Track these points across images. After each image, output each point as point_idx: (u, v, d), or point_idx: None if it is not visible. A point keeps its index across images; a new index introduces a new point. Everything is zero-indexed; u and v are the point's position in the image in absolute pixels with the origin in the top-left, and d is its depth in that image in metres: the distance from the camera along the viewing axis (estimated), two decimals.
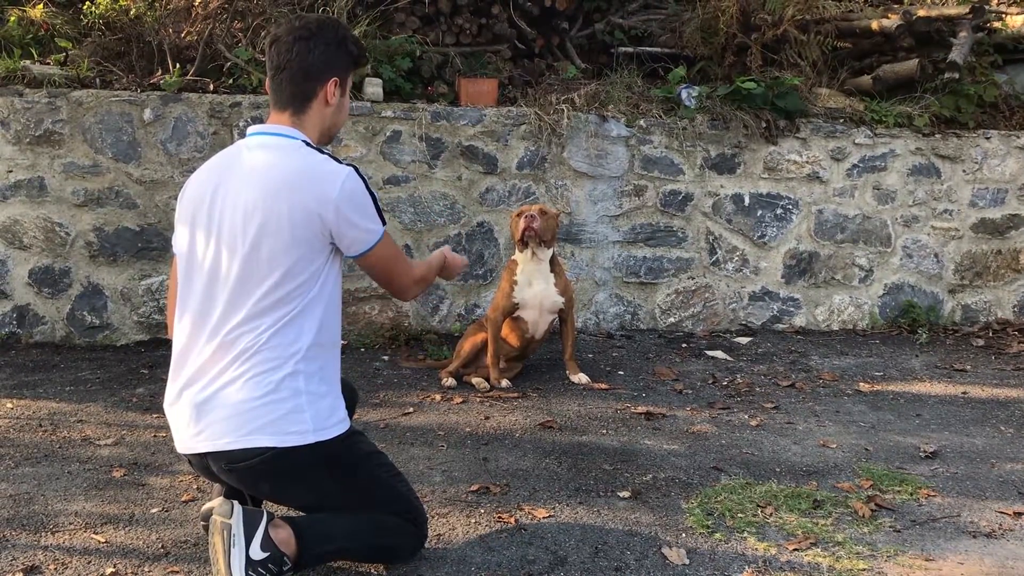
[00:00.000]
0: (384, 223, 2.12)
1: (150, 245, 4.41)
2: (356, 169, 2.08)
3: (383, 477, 2.16)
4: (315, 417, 2.00)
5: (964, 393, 3.95)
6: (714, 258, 4.96)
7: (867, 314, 5.12)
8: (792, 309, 5.06)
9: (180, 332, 2.05)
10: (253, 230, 1.96)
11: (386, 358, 4.35)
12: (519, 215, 3.77)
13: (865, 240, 5.09)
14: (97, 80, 4.49)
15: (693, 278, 4.96)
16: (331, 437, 2.02)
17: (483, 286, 4.72)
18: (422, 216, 4.65)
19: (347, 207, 2.01)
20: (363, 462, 2.14)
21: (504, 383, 3.82)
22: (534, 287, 3.80)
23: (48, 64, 4.54)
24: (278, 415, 1.96)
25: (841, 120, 5.05)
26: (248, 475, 2.00)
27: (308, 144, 2.09)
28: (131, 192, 4.37)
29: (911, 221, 5.11)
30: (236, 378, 1.96)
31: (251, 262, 1.97)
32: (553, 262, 3.86)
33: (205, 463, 2.04)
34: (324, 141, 2.20)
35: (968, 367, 4.38)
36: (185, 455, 2.09)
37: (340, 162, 2.07)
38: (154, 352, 4.32)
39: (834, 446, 3.20)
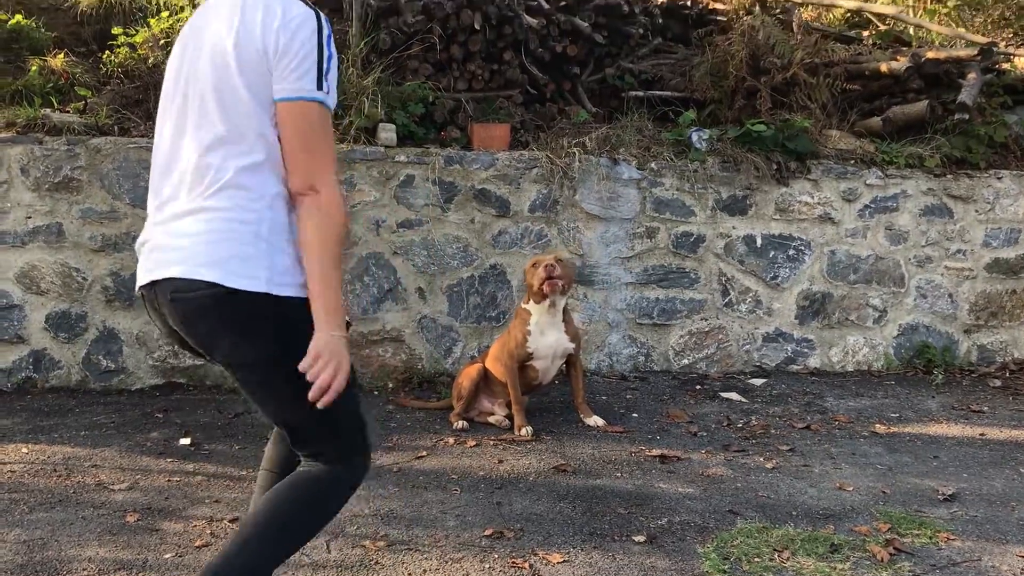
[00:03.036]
0: (324, 91, 1.81)
1: None
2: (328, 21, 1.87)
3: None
4: (271, 267, 1.79)
5: (982, 435, 3.92)
6: (727, 299, 4.96)
7: (882, 355, 5.09)
8: (806, 350, 5.04)
9: None
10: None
11: (397, 403, 4.35)
12: (535, 265, 3.77)
13: (878, 281, 5.08)
14: (115, 127, 4.56)
15: (706, 319, 4.95)
16: (288, 295, 1.79)
17: (496, 328, 4.73)
18: (435, 259, 4.67)
19: (284, 36, 1.80)
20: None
21: (525, 431, 3.79)
22: (547, 337, 3.81)
23: (68, 112, 4.62)
24: (231, 253, 1.77)
25: (852, 161, 5.07)
26: (190, 311, 1.79)
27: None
28: None
29: (924, 261, 5.10)
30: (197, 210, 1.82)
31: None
32: (563, 308, 3.87)
33: (160, 311, 1.87)
34: None
35: (985, 408, 4.35)
36: (139, 296, 1.92)
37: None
38: (168, 396, 4.34)
39: (851, 489, 3.17)
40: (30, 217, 4.33)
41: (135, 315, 4.44)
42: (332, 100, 1.85)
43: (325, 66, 1.83)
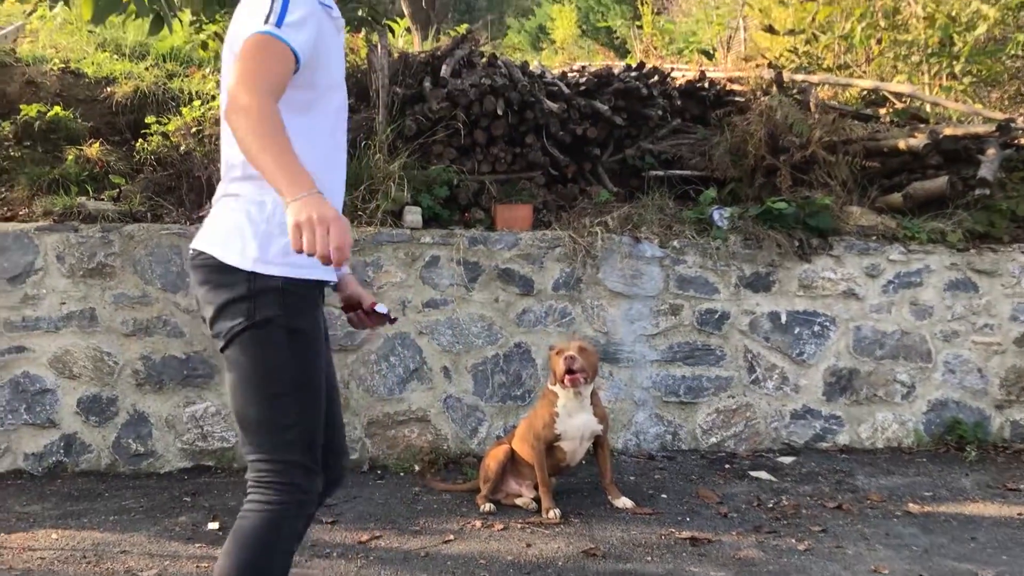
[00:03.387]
0: (276, 26, 1.84)
1: (195, 372, 4.49)
2: None
3: (280, 383, 1.91)
4: (261, 248, 1.91)
5: (1020, 514, 3.84)
6: (753, 376, 4.94)
7: (912, 431, 5.04)
8: (835, 427, 5.00)
9: None
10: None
11: (423, 484, 4.33)
12: (558, 353, 3.78)
13: (905, 356, 5.05)
14: (148, 214, 4.67)
15: (733, 397, 4.93)
16: (274, 274, 1.90)
17: (521, 408, 4.73)
18: (460, 338, 4.70)
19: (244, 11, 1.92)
20: (287, 342, 1.91)
21: (553, 514, 3.76)
22: (575, 418, 3.81)
23: (102, 200, 4.74)
24: (227, 226, 1.96)
25: (874, 237, 5.09)
26: (194, 276, 2.01)
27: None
28: (178, 321, 4.49)
29: (951, 336, 5.08)
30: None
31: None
32: (592, 391, 3.87)
33: None
34: None
35: (1022, 486, 4.27)
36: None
37: None
38: (197, 479, 4.35)
39: (887, 572, 3.12)
40: (64, 303, 4.42)
41: (165, 398, 4.48)
42: (289, 34, 1.84)
43: (279, 5, 1.86)
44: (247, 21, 1.90)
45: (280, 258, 1.91)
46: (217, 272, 1.93)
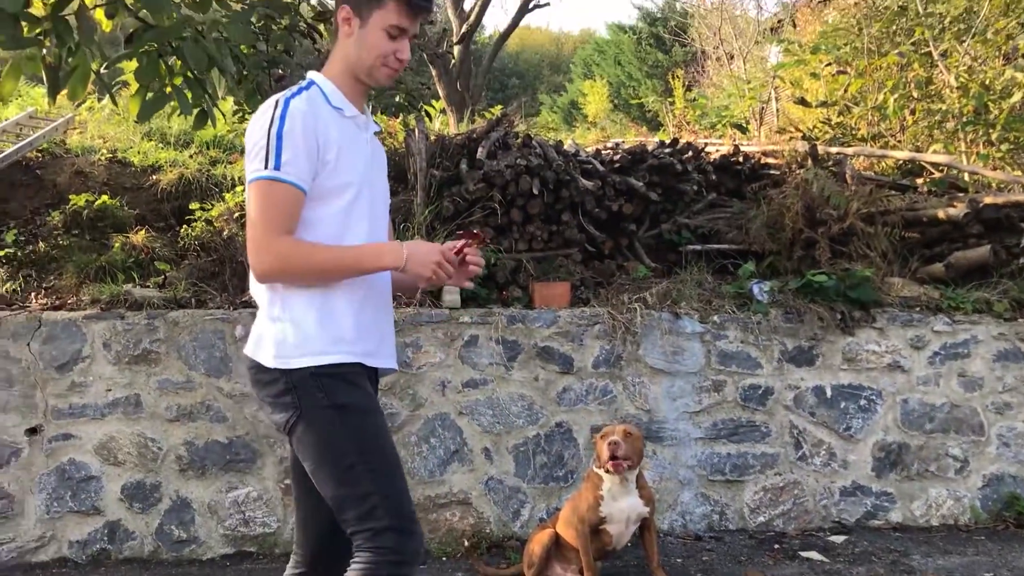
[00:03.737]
0: (273, 168, 2.07)
1: (238, 457, 4.50)
2: (289, 100, 2.12)
3: (345, 456, 2.09)
4: (281, 343, 2.14)
5: None
6: (800, 452, 4.85)
7: (967, 508, 4.89)
8: (887, 504, 4.87)
9: None
10: None
11: (466, 568, 4.27)
12: (603, 436, 3.73)
13: (956, 429, 4.93)
14: (192, 300, 4.75)
15: (780, 474, 4.83)
16: (300, 367, 2.11)
17: (564, 488, 4.67)
18: (500, 418, 4.68)
19: (247, 139, 2.14)
20: (339, 418, 2.11)
21: None
22: (621, 501, 3.74)
23: (148, 287, 4.83)
24: (259, 333, 2.20)
25: (917, 308, 5.03)
26: (248, 376, 2.24)
27: (304, 81, 2.24)
28: (221, 406, 4.52)
29: (1003, 408, 4.95)
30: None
31: None
32: (639, 472, 3.81)
33: None
34: (355, 80, 2.25)
35: None
36: None
37: (300, 91, 2.17)
38: (239, 565, 4.32)
39: None
40: (110, 390, 4.47)
41: (207, 483, 4.49)
42: (284, 172, 2.08)
43: (273, 145, 2.08)
44: (248, 163, 2.13)
45: (300, 350, 2.13)
46: (261, 372, 2.17)
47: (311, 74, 2.27)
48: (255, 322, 2.25)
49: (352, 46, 2.23)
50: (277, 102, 2.13)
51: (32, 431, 4.42)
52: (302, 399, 2.11)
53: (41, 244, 5.29)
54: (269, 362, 2.14)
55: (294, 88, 2.20)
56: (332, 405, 2.10)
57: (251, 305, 4.65)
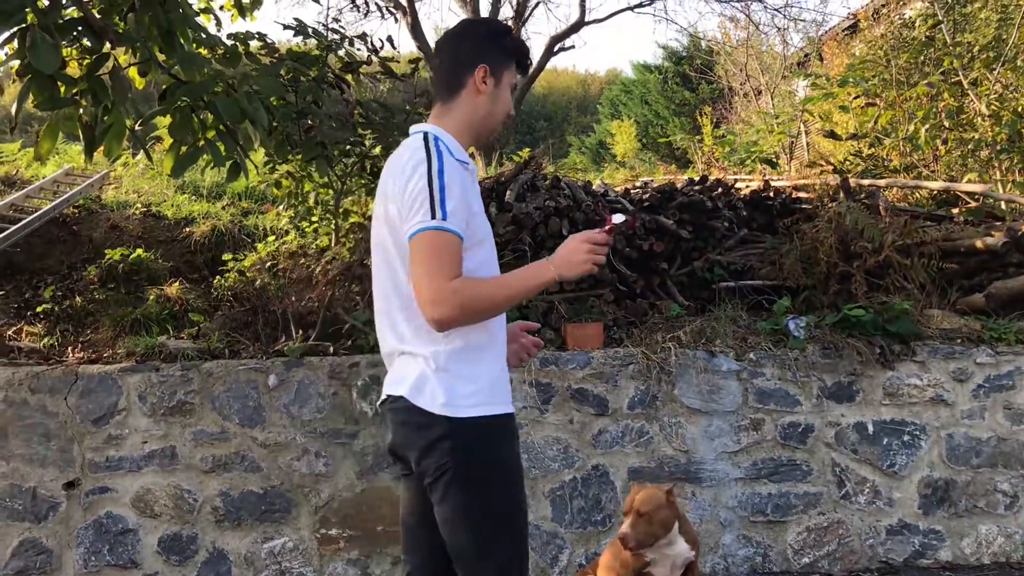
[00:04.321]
0: (441, 219, 2.09)
1: (273, 507, 4.49)
2: (442, 154, 2.16)
3: (496, 515, 2.13)
4: (449, 391, 2.13)
5: None
6: (843, 491, 4.74)
7: (1020, 545, 4.74)
8: (935, 542, 4.73)
9: None
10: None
11: None
12: (625, 514, 3.41)
13: (1004, 463, 4.80)
14: (226, 351, 4.77)
15: (824, 513, 4.72)
16: (465, 416, 2.12)
17: (603, 533, 4.59)
18: (536, 462, 4.62)
19: (399, 189, 2.17)
20: (494, 474, 2.14)
21: None
22: (664, 547, 3.65)
23: (182, 338, 4.87)
24: (416, 376, 2.18)
25: (958, 340, 4.93)
26: (390, 416, 2.26)
27: (428, 136, 2.22)
28: (255, 456, 4.51)
29: None
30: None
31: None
32: (680, 517, 3.70)
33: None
34: (477, 136, 2.35)
35: None
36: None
37: (437, 141, 2.20)
38: None
39: None
40: (146, 442, 4.49)
41: (243, 534, 4.47)
42: (450, 222, 2.10)
43: (437, 194, 2.10)
44: (411, 216, 2.12)
45: (467, 399, 2.15)
46: (415, 414, 2.16)
47: (424, 127, 2.30)
48: (403, 363, 2.24)
49: (485, 103, 2.31)
50: (430, 154, 2.16)
51: (70, 485, 4.45)
52: (458, 449, 2.12)
53: (78, 298, 5.36)
54: (428, 405, 2.14)
55: (425, 139, 2.22)
56: (487, 461, 2.14)
57: (282, 354, 4.67)
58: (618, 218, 2.27)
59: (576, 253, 2.17)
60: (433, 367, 2.17)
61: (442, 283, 2.07)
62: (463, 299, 2.08)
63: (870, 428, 4.79)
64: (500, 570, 2.13)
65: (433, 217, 2.09)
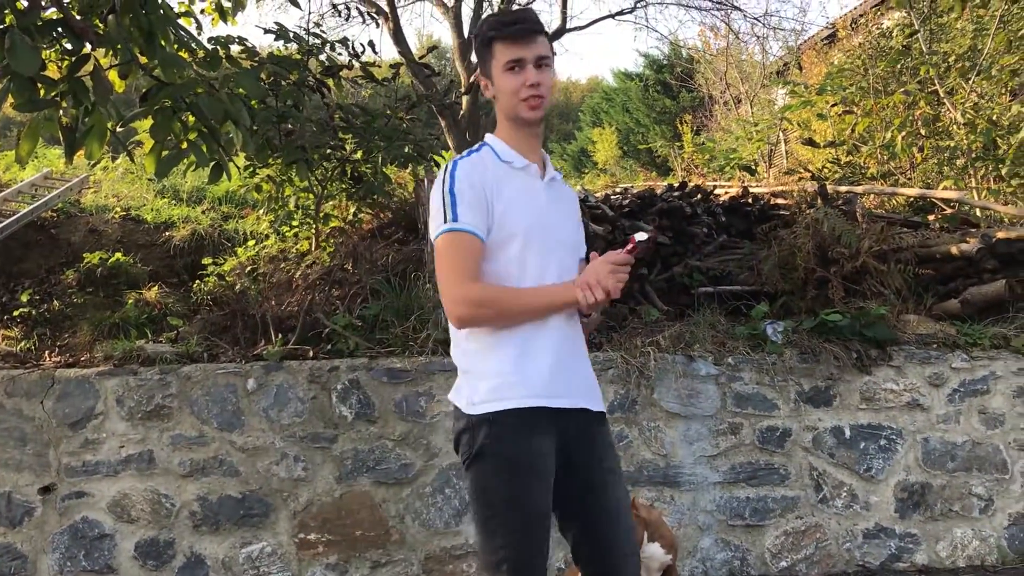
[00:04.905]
0: (452, 221, 2.24)
1: (251, 512, 4.47)
2: (457, 161, 2.32)
3: (490, 507, 2.20)
4: (472, 391, 2.27)
5: None
6: (821, 495, 4.77)
7: (994, 547, 4.79)
8: (911, 545, 4.77)
9: None
10: None
11: None
12: None
13: (979, 467, 4.85)
14: (205, 354, 4.75)
15: (801, 517, 4.75)
16: (483, 413, 2.22)
17: None
18: None
19: (429, 208, 2.34)
20: (495, 468, 2.20)
21: None
22: (643, 550, 3.67)
23: (161, 342, 4.85)
24: (456, 382, 2.37)
25: (934, 345, 4.98)
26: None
27: (479, 144, 2.41)
28: (234, 460, 4.49)
29: None
30: None
31: None
32: (650, 523, 3.73)
33: None
34: (517, 129, 2.39)
35: None
36: None
37: (470, 153, 2.36)
38: None
39: None
40: (123, 446, 4.46)
41: (221, 539, 4.45)
42: (462, 222, 2.24)
43: (448, 201, 2.25)
44: (431, 223, 2.31)
45: (485, 396, 2.24)
46: (455, 410, 2.34)
47: (487, 136, 2.45)
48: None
49: (499, 101, 2.38)
50: (446, 166, 2.32)
51: (45, 490, 4.41)
52: (475, 442, 2.22)
53: (55, 302, 5.33)
54: (461, 405, 2.30)
55: (466, 151, 2.38)
56: (496, 455, 2.20)
57: (261, 358, 4.66)
58: (640, 236, 2.27)
59: (600, 272, 2.18)
60: (462, 368, 2.35)
61: (458, 284, 2.21)
62: (479, 303, 2.22)
63: (847, 432, 4.83)
64: (488, 564, 2.17)
65: (445, 221, 2.25)
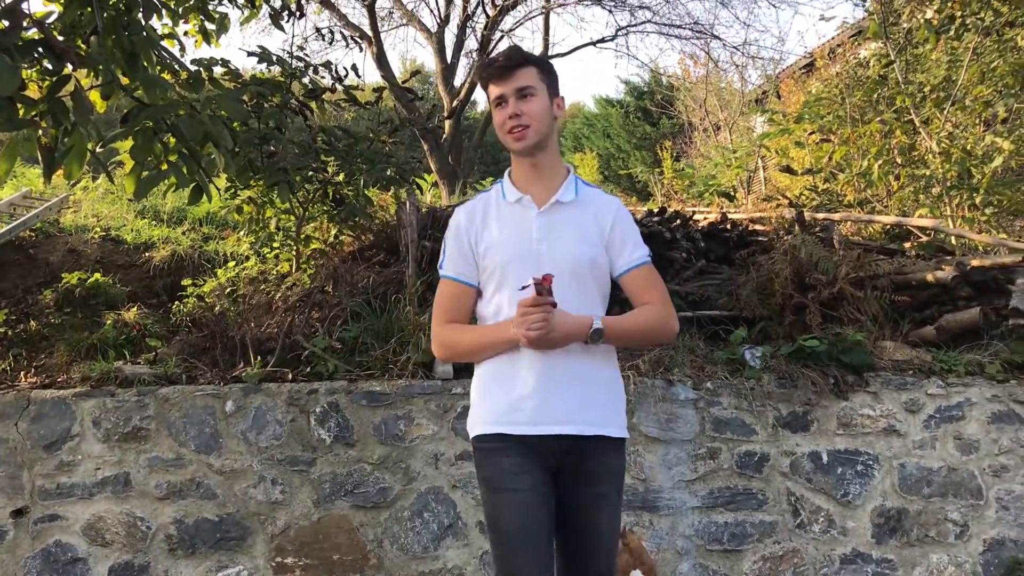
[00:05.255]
0: (439, 267, 2.58)
1: (228, 535, 4.43)
2: (457, 208, 2.60)
3: (489, 514, 2.44)
4: (472, 418, 2.54)
5: None
6: (798, 520, 4.79)
7: (969, 573, 4.81)
8: (888, 571, 4.79)
9: None
10: None
11: None
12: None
13: (955, 493, 4.88)
14: (183, 376, 4.73)
15: (779, 542, 4.76)
16: (473, 435, 2.50)
17: None
18: None
19: None
20: (481, 487, 2.47)
21: None
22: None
23: (139, 363, 4.82)
24: None
25: (910, 372, 5.02)
26: None
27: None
28: (211, 483, 4.46)
29: (1000, 471, 4.92)
30: None
31: None
32: (636, 553, 3.73)
33: None
34: (515, 160, 2.57)
35: None
36: None
37: (480, 195, 2.61)
38: None
39: None
40: (99, 468, 4.42)
41: (197, 563, 4.41)
42: (445, 269, 2.56)
43: (443, 247, 2.58)
44: None
45: (470, 422, 2.53)
46: None
47: (506, 172, 2.65)
48: None
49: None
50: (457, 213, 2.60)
51: (18, 513, 4.36)
52: (478, 463, 2.48)
53: (32, 323, 5.29)
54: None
55: (485, 189, 2.67)
56: (479, 476, 2.46)
57: (240, 380, 4.64)
58: (534, 279, 2.33)
59: (516, 320, 2.34)
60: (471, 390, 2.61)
61: (435, 326, 2.51)
62: (447, 343, 2.50)
63: (824, 457, 4.86)
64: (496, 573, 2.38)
65: (438, 266, 2.60)
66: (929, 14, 7.16)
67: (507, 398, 2.41)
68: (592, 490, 2.41)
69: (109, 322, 5.18)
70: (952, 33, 7.08)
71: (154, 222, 6.90)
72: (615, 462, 2.46)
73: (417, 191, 6.38)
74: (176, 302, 5.47)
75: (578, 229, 2.52)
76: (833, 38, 11.38)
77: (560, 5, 13.96)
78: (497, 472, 2.38)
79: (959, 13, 6.92)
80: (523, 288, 2.33)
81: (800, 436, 4.87)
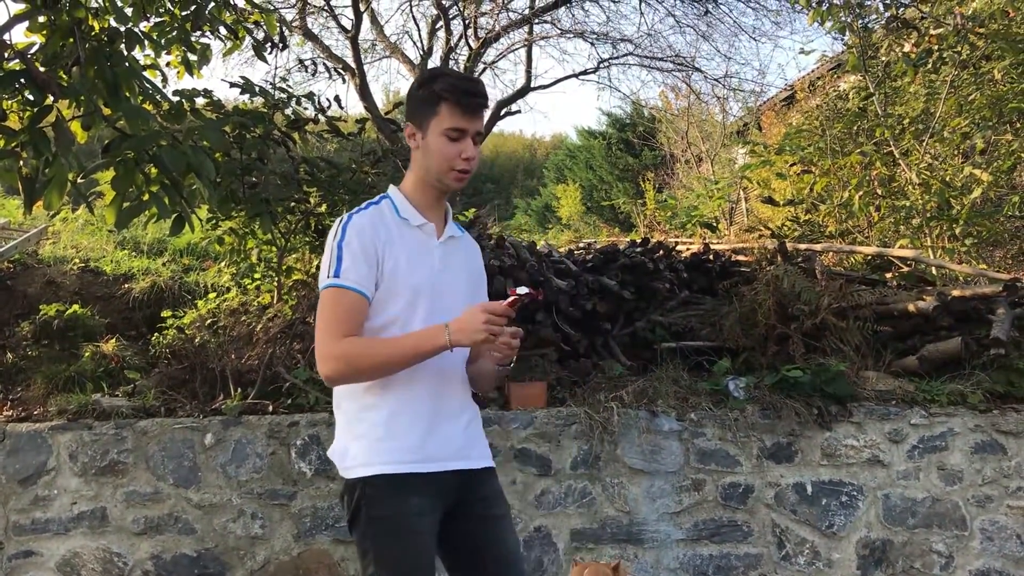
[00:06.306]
0: (333, 276, 2.25)
1: (206, 571, 4.36)
2: (352, 215, 2.32)
3: (371, 565, 2.24)
4: (343, 455, 2.33)
5: None
6: (783, 552, 4.76)
7: None
8: None
9: None
10: None
11: None
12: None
13: (939, 524, 4.87)
14: (162, 408, 4.67)
15: (764, 575, 4.73)
16: (353, 477, 2.28)
17: None
18: None
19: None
20: (369, 529, 2.24)
21: None
22: None
23: (117, 396, 4.76)
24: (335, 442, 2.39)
25: (893, 402, 5.03)
26: None
27: (379, 196, 2.42)
28: (190, 517, 4.39)
29: (984, 501, 4.91)
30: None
31: None
32: None
33: None
34: (430, 189, 2.38)
35: None
36: None
37: (368, 206, 2.37)
38: None
39: None
40: (75, 503, 4.35)
41: None
42: (343, 278, 2.25)
43: (335, 255, 2.26)
44: (320, 275, 2.31)
45: (358, 459, 2.28)
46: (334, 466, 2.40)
47: (389, 188, 2.44)
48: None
49: (420, 157, 2.36)
50: (342, 218, 2.32)
51: None
52: (350, 505, 2.28)
53: (9, 355, 5.22)
54: (337, 465, 2.35)
55: (365, 204, 2.38)
56: (368, 516, 2.24)
57: (220, 412, 4.59)
58: (522, 290, 2.29)
59: (473, 322, 2.18)
60: (338, 427, 2.38)
61: (329, 340, 2.22)
62: (348, 358, 2.21)
63: (809, 489, 4.84)
64: None
65: (328, 276, 2.27)
66: (907, 48, 7.26)
67: (410, 435, 2.29)
68: (493, 513, 2.41)
69: (87, 354, 5.12)
70: (930, 66, 7.18)
71: (134, 253, 6.86)
72: (497, 486, 2.47)
73: None
74: (156, 334, 5.41)
75: (465, 266, 2.54)
76: (813, 71, 11.52)
77: (543, 38, 14.05)
78: (401, 513, 2.24)
79: (936, 47, 7.02)
80: (512, 295, 2.26)
81: (784, 467, 4.85)
